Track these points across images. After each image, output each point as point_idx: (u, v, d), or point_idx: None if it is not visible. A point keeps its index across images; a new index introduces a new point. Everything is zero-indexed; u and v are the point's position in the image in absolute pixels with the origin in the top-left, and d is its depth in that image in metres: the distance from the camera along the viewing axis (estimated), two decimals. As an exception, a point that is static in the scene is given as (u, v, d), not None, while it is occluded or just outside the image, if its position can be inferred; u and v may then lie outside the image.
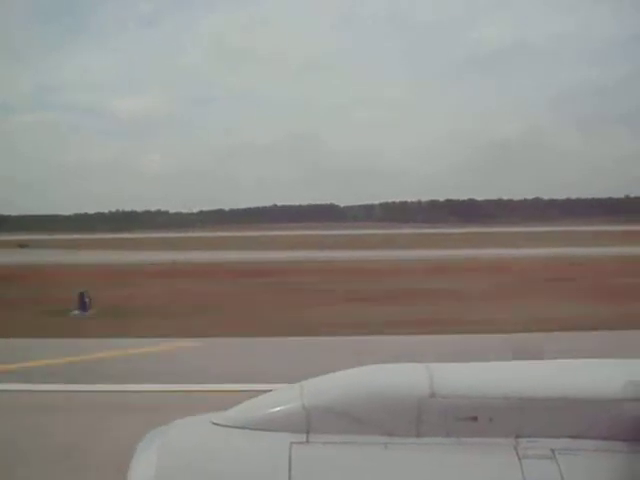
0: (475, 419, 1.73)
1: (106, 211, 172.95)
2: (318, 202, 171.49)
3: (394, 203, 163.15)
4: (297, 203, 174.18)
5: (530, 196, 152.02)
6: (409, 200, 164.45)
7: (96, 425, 6.94)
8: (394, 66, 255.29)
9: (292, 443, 1.71)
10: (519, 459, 1.70)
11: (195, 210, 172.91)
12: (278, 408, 1.79)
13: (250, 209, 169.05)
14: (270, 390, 1.93)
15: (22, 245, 52.28)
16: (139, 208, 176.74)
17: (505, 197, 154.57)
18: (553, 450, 1.72)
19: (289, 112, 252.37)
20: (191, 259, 41.47)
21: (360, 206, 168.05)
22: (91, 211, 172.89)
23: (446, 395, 1.74)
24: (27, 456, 6.07)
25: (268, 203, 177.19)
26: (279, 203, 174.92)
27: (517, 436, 1.74)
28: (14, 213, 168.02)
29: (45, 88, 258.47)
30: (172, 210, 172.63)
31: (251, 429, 1.76)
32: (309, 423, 1.73)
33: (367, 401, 1.76)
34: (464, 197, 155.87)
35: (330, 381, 1.88)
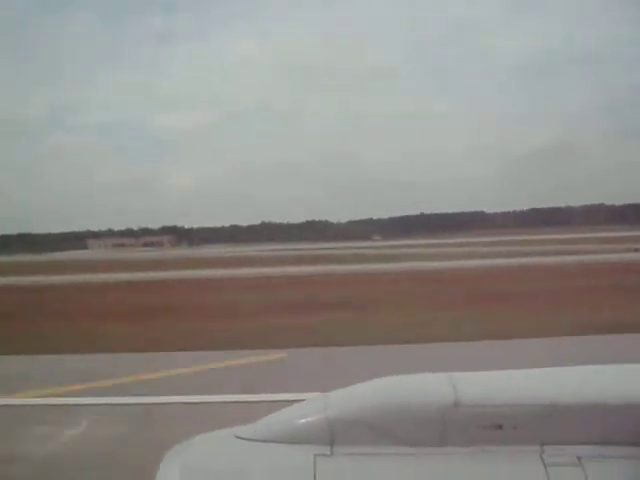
0: (500, 427, 1.73)
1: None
2: (466, 210, 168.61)
3: (542, 209, 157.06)
4: (444, 211, 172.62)
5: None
6: (560, 205, 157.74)
7: None
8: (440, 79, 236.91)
9: (316, 455, 1.73)
10: (545, 467, 1.69)
11: (343, 220, 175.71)
12: (301, 420, 1.81)
13: (396, 218, 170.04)
14: (295, 402, 1.94)
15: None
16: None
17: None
18: (579, 457, 1.69)
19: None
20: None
21: (506, 213, 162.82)
22: (244, 223, 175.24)
23: (470, 404, 1.75)
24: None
25: (414, 212, 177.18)
26: (426, 211, 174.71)
27: (542, 444, 1.72)
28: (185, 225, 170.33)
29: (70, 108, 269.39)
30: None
31: (274, 442, 1.79)
32: (333, 435, 1.75)
33: (391, 412, 1.78)
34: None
35: (353, 392, 1.90)
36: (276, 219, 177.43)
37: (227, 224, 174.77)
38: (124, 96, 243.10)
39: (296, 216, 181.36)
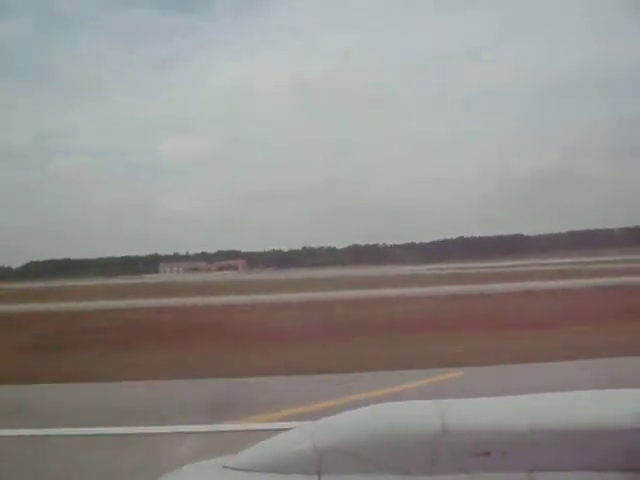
0: (488, 454, 1.74)
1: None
2: (505, 233, 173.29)
3: (579, 231, 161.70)
4: (483, 234, 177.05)
5: None
6: (598, 227, 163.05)
7: None
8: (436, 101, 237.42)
9: None
10: None
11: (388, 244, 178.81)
12: (289, 450, 1.83)
13: (437, 242, 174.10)
14: (283, 430, 1.95)
15: None
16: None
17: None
18: None
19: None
20: None
21: (544, 236, 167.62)
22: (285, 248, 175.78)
23: (458, 431, 1.76)
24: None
25: (453, 235, 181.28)
26: (466, 235, 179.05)
27: (531, 470, 1.73)
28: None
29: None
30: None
31: (262, 472, 1.81)
32: (321, 464, 1.76)
33: (379, 440, 1.79)
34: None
35: (341, 421, 1.92)
36: (314, 244, 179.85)
37: (268, 249, 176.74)
38: (124, 123, 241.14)
39: (337, 241, 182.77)
